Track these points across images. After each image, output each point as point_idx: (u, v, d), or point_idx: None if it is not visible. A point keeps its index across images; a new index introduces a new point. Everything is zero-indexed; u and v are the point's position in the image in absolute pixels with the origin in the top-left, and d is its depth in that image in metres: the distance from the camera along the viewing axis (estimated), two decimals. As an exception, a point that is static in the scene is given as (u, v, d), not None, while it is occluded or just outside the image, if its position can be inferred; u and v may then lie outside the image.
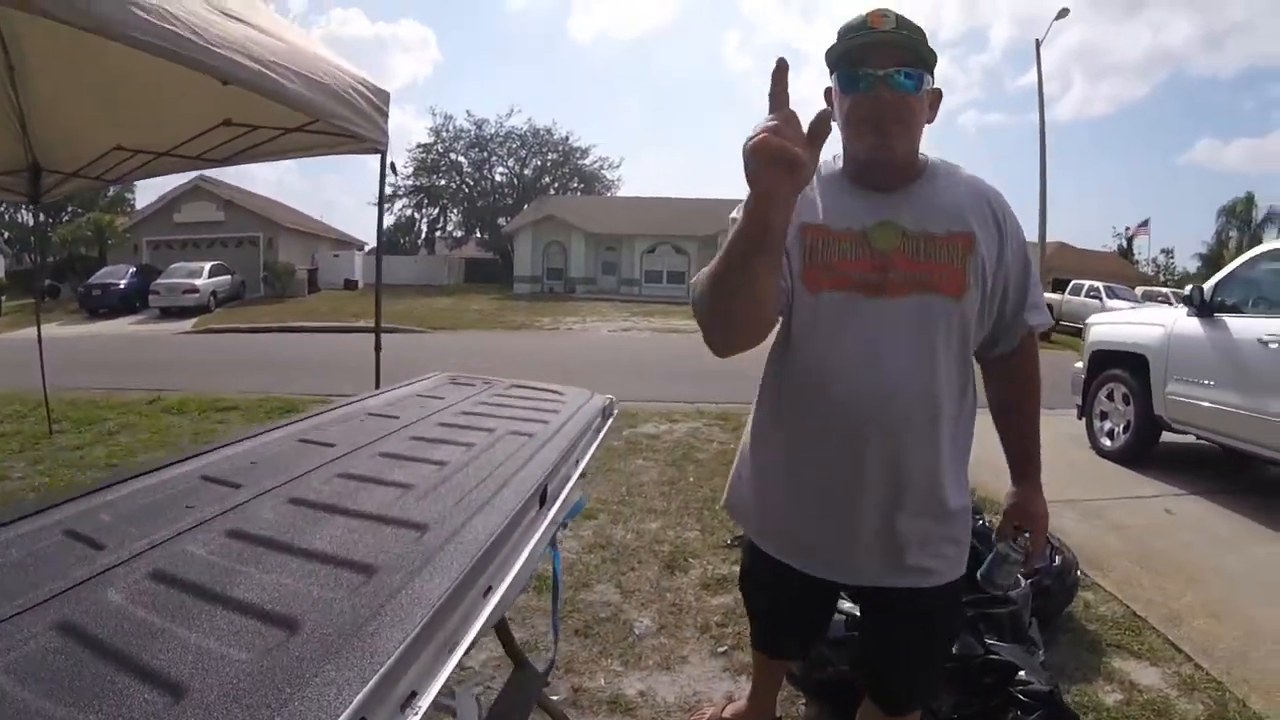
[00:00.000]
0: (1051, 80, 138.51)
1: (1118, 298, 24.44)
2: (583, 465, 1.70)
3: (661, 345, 15.91)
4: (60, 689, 0.71)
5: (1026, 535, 1.60)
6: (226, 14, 2.69)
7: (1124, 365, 6.58)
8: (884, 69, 1.35)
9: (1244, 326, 5.39)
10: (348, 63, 3.68)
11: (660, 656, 2.76)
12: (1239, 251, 36.38)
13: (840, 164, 1.52)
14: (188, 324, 20.94)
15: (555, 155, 49.94)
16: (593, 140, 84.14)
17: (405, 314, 21.88)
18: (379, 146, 4.10)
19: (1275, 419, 4.93)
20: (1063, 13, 24.25)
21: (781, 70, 1.05)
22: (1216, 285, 5.86)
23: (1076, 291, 27.18)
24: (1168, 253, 53.17)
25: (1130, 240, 45.49)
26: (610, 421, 2.09)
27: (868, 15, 1.38)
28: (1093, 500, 5.22)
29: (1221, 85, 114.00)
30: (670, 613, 3.09)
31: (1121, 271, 36.86)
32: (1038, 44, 25.06)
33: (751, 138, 1.03)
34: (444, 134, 48.13)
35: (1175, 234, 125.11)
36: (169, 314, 23.04)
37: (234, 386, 9.17)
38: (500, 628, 2.04)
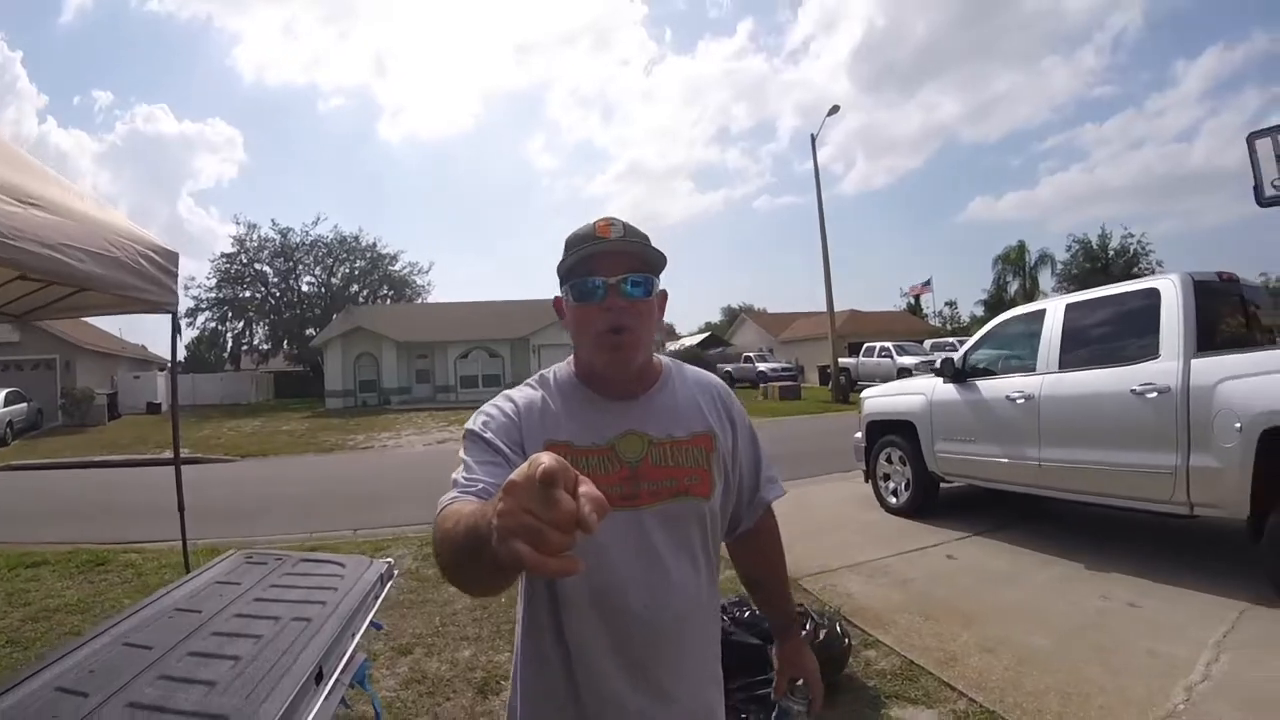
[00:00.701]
0: (836, 161, 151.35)
1: (907, 354, 26.69)
2: (359, 636, 1.91)
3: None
4: None
5: (801, 684, 1.64)
6: (21, 200, 2.75)
7: (896, 432, 7.41)
8: (614, 276, 1.33)
9: (992, 387, 6.26)
10: (135, 227, 3.73)
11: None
12: (1017, 294, 40.27)
13: (573, 368, 1.47)
14: None
15: (363, 262, 49.32)
16: (401, 245, 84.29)
17: (211, 440, 20.80)
18: (169, 308, 4.12)
19: (1030, 462, 5.76)
20: (834, 109, 26.93)
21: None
22: (965, 354, 6.79)
23: (869, 354, 29.58)
24: (951, 304, 57.74)
25: (917, 298, 49.34)
26: (389, 586, 2.30)
27: (595, 224, 1.37)
28: (879, 559, 5.77)
29: (989, 149, 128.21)
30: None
31: (912, 327, 40.07)
32: (813, 138, 27.61)
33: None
34: (248, 243, 46.74)
35: (960, 285, 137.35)
36: None
37: (41, 535, 8.56)
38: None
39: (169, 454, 16.59)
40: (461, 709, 3.53)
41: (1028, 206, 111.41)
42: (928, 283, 46.55)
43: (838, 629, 3.70)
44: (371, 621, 2.32)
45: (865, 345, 30.67)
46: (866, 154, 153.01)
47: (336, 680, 1.73)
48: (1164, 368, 4.81)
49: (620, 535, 1.34)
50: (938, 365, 7.07)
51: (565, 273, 1.38)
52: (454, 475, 1.25)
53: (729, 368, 37.07)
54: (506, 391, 1.45)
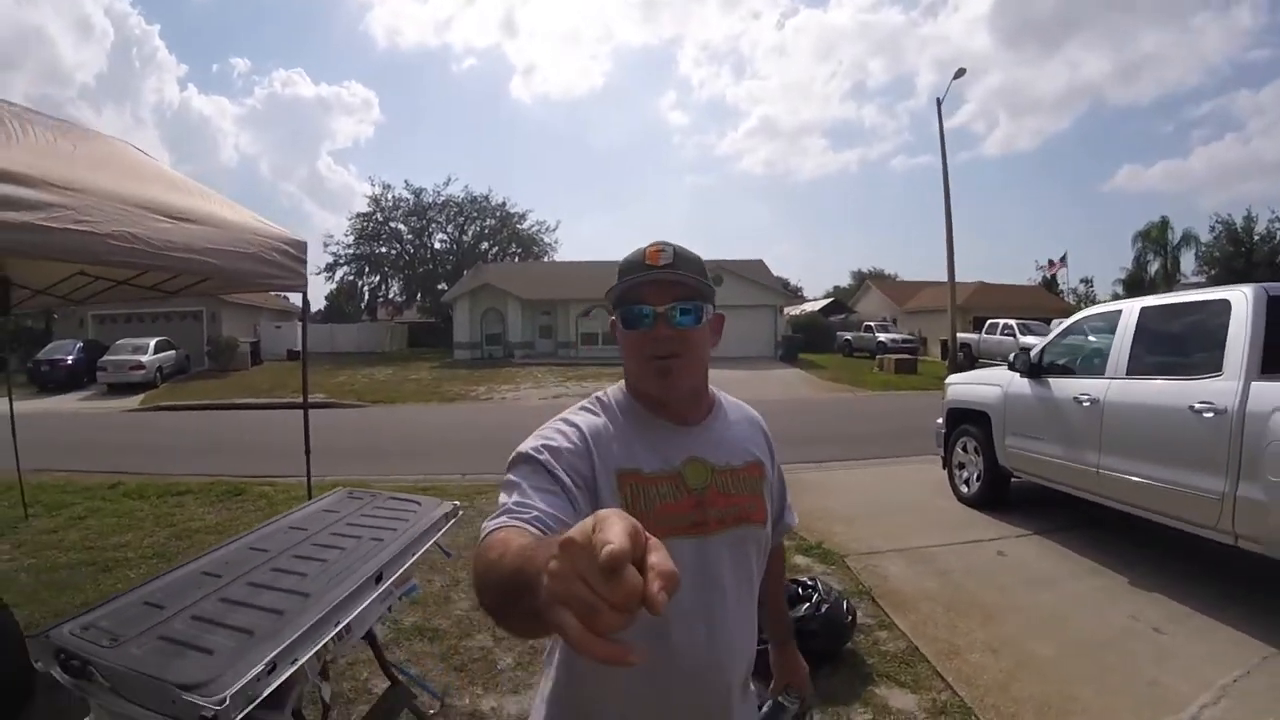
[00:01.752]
0: (977, 120, 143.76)
1: (1031, 333, 25.82)
2: (418, 555, 2.59)
3: (588, 412, 16.59)
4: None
5: (790, 688, 1.79)
6: (172, 216, 3.49)
7: (973, 421, 7.47)
8: (663, 305, 1.34)
9: (1063, 386, 6.18)
10: (268, 225, 4.44)
11: (513, 684, 3.65)
12: (1158, 275, 37.86)
13: (629, 391, 1.47)
14: (135, 400, 21.19)
15: (493, 221, 51.00)
16: (530, 204, 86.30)
17: (345, 387, 22.36)
18: (299, 288, 4.85)
19: (1089, 467, 5.68)
20: (960, 72, 26.09)
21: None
22: (1043, 349, 6.76)
23: (992, 330, 28.77)
24: (1087, 282, 55.65)
25: (1053, 274, 47.46)
26: (451, 523, 3.08)
27: (646, 251, 1.38)
28: (929, 546, 5.95)
29: (1139, 113, 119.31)
30: (529, 653, 3.93)
31: (1043, 304, 38.41)
32: (939, 102, 26.37)
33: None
34: (383, 202, 49.15)
35: (1100, 261, 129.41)
36: (117, 389, 23.28)
37: (185, 469, 9.85)
38: (378, 656, 3.05)
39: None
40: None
41: (1179, 178, 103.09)
42: (1064, 258, 44.46)
43: (843, 605, 4.03)
44: (440, 546, 3.02)
45: (989, 321, 29.91)
46: (1010, 113, 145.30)
47: (391, 584, 2.44)
48: (1224, 387, 4.56)
49: (687, 565, 1.27)
50: (1011, 358, 7.08)
51: (616, 300, 1.39)
52: (501, 499, 1.19)
53: (849, 336, 36.52)
54: (563, 415, 1.43)
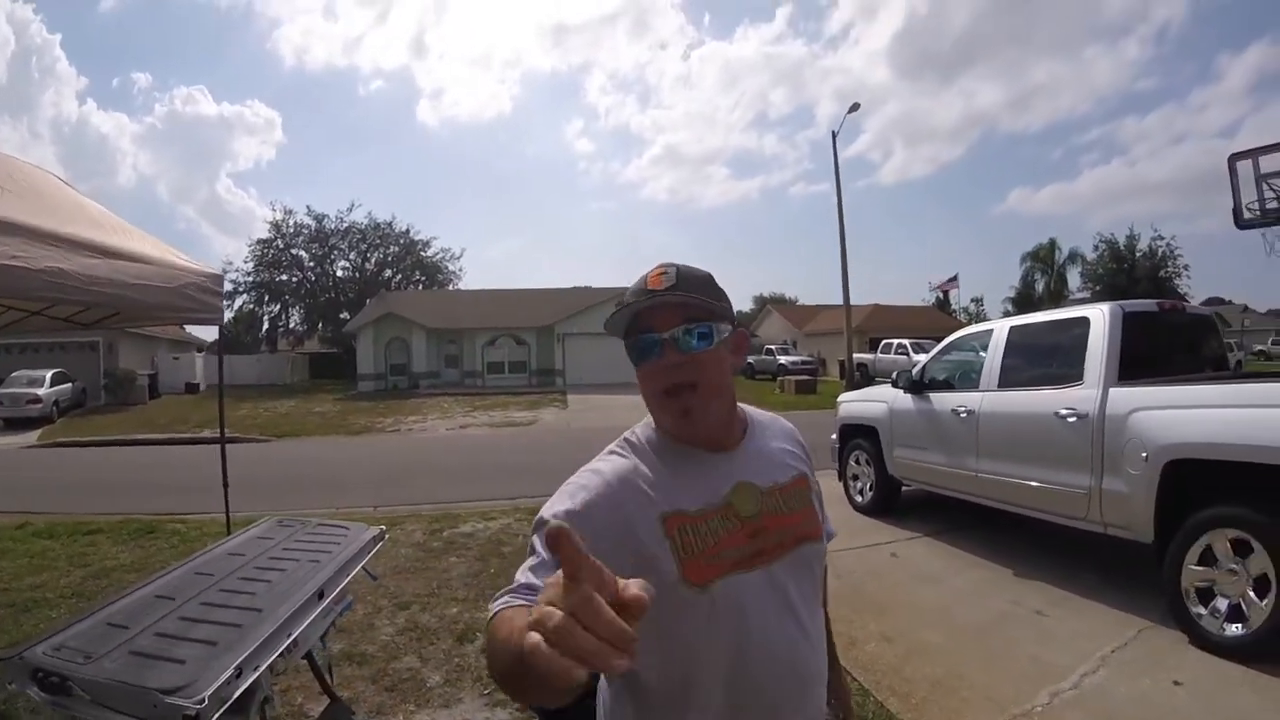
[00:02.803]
0: (873, 149, 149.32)
1: (924, 351, 27.04)
2: (352, 575, 2.82)
3: (494, 442, 16.80)
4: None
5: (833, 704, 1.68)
6: (100, 252, 3.57)
7: (863, 435, 7.98)
8: (668, 330, 1.26)
9: (943, 400, 6.69)
10: (189, 261, 4.52)
11: (444, 699, 3.81)
12: (1044, 293, 39.70)
13: (656, 429, 1.37)
14: (33, 436, 20.19)
15: (397, 248, 50.42)
16: (436, 229, 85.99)
17: (248, 419, 21.81)
18: (215, 321, 4.93)
19: (969, 472, 6.18)
20: (854, 107, 27.40)
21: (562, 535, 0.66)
22: (924, 367, 7.25)
23: (887, 350, 30.09)
24: (978, 301, 58.09)
25: (945, 294, 49.34)
26: (380, 544, 3.36)
27: (648, 276, 1.30)
28: (831, 551, 6.37)
29: (1031, 139, 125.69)
30: (455, 671, 4.12)
31: (936, 323, 39.96)
32: (834, 135, 27.65)
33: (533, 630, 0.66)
34: (284, 228, 48.01)
35: (990, 282, 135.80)
36: (12, 425, 22.15)
37: (93, 507, 9.51)
38: (318, 676, 3.22)
39: (208, 432, 17.74)
40: (441, 651, 4.40)
41: (1067, 200, 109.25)
42: (954, 278, 46.44)
43: None
44: (366, 570, 3.22)
45: (884, 341, 31.22)
46: (906, 142, 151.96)
47: (331, 601, 2.66)
48: (1085, 394, 5.06)
49: (758, 599, 1.25)
50: (895, 376, 7.59)
51: (619, 331, 1.34)
52: (518, 573, 1.12)
53: (751, 359, 37.48)
54: (590, 464, 1.32)
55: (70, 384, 26.22)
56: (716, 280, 1.37)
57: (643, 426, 1.39)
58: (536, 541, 1.16)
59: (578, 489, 1.24)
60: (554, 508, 1.20)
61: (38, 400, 23.18)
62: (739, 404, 1.41)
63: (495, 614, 1.03)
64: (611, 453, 1.34)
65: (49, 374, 24.52)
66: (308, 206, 63.40)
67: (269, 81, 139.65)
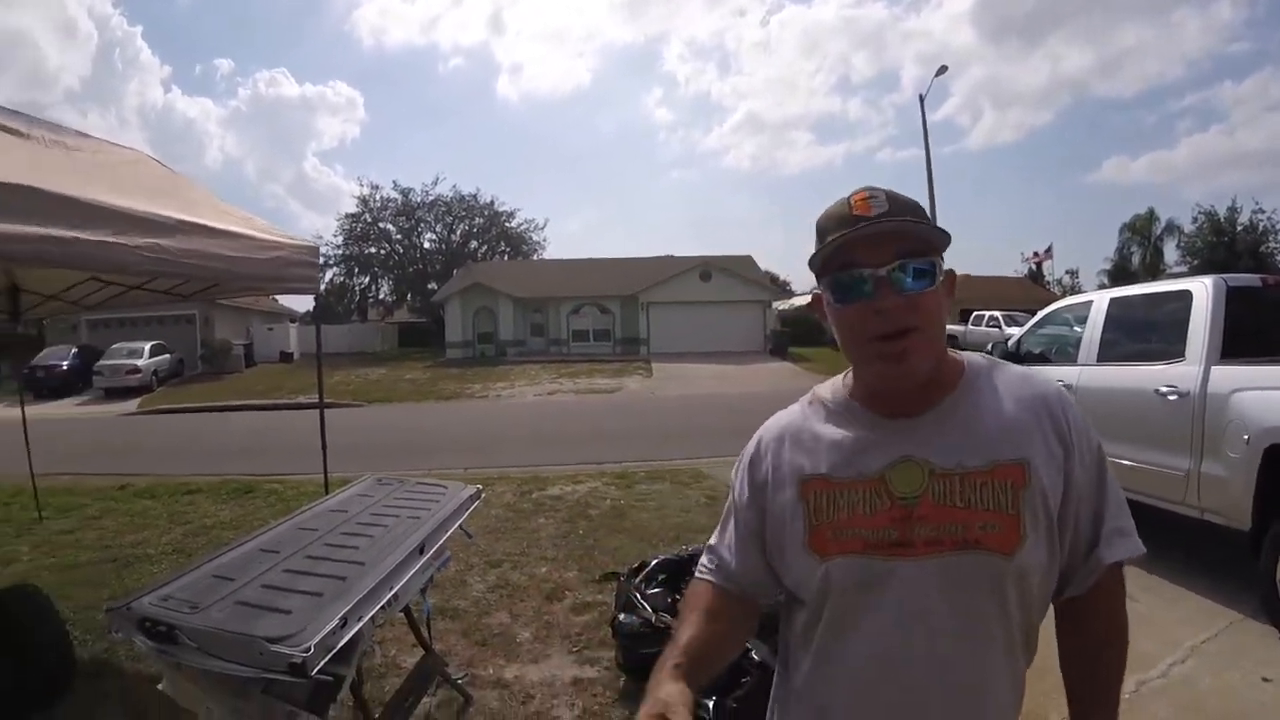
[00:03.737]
0: (961, 113, 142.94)
1: (1015, 324, 26.24)
2: (450, 532, 2.97)
3: (580, 408, 17.12)
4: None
5: None
6: (203, 229, 3.78)
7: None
8: (884, 266, 1.05)
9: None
10: (280, 232, 4.72)
11: (532, 655, 3.96)
12: (1140, 266, 37.81)
13: (848, 383, 1.22)
14: (132, 404, 21.38)
15: (481, 220, 51.07)
16: (518, 202, 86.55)
17: (341, 386, 22.55)
18: (312, 289, 5.13)
19: None
20: (941, 70, 26.60)
21: None
22: (1020, 339, 7.08)
23: (978, 322, 29.18)
24: (1073, 273, 55.16)
25: (1039, 265, 47.61)
26: (476, 504, 3.49)
27: (850, 199, 1.10)
28: None
29: (1122, 105, 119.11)
30: (544, 628, 4.28)
31: (1030, 295, 38.70)
32: (921, 98, 27.03)
33: None
34: (371, 203, 49.08)
35: (1086, 253, 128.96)
36: (113, 394, 23.41)
37: (191, 469, 10.08)
38: (414, 628, 3.40)
39: (303, 398, 18.38)
40: (531, 608, 4.57)
41: (1164, 169, 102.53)
42: (1049, 249, 44.65)
43: None
44: (462, 528, 3.35)
45: (974, 313, 30.34)
46: (993, 106, 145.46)
47: (430, 556, 2.79)
48: (1186, 372, 4.79)
49: (879, 595, 1.06)
50: (989, 349, 7.40)
51: (820, 266, 1.12)
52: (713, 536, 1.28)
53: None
54: (777, 414, 1.27)
55: (168, 355, 27.47)
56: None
57: (831, 383, 1.25)
58: (730, 490, 1.24)
59: (750, 446, 1.26)
60: (735, 469, 1.27)
61: (136, 370, 24.42)
62: (960, 354, 1.19)
63: (691, 586, 1.24)
64: (797, 404, 1.27)
65: (148, 346, 25.72)
66: (394, 181, 64.34)
67: (349, 62, 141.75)
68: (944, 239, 1.09)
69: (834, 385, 1.24)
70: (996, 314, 28.85)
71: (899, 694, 1.06)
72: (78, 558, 6.19)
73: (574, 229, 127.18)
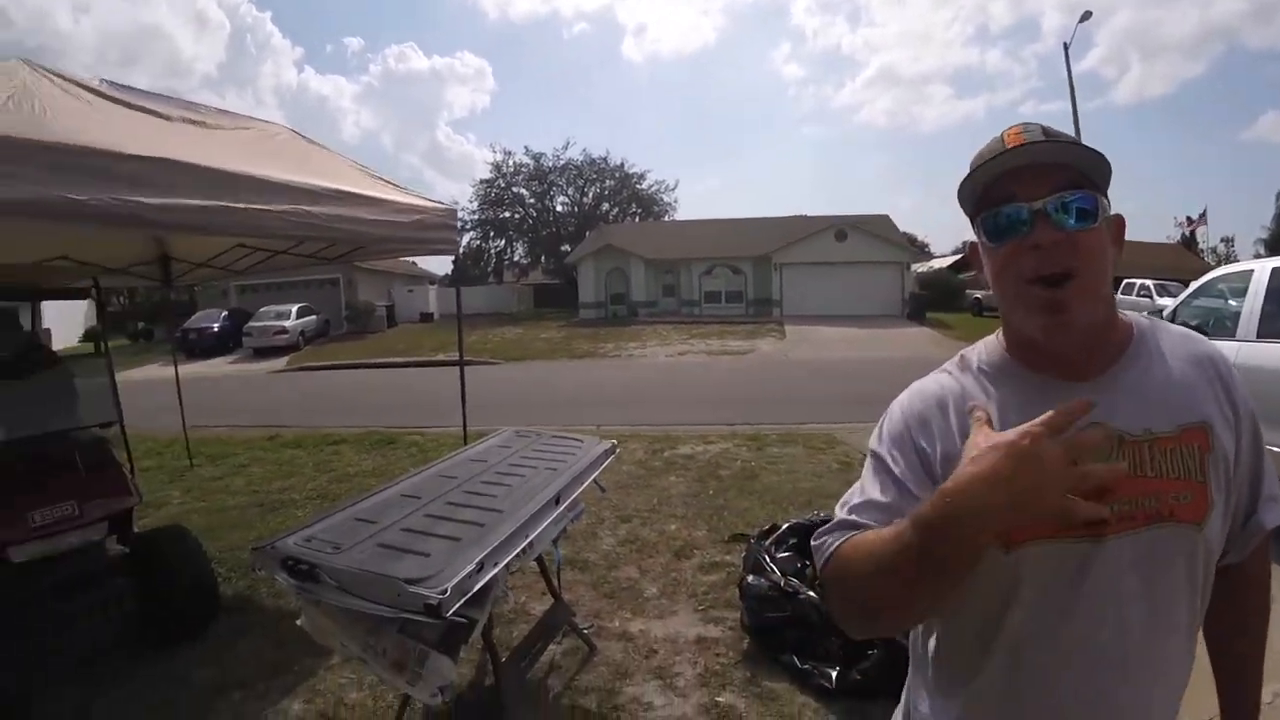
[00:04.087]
0: (1107, 64, 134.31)
1: (1168, 294, 24.60)
2: (585, 485, 3.06)
3: (712, 369, 17.08)
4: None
5: None
6: (345, 195, 3.99)
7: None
8: (1040, 199, 0.95)
9: None
10: (423, 200, 4.91)
11: (659, 611, 4.00)
12: None
13: (1002, 340, 1.11)
14: (281, 362, 22.82)
15: (612, 182, 51.45)
16: (648, 164, 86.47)
17: (479, 345, 23.28)
18: (451, 250, 5.32)
19: None
20: (1085, 16, 24.66)
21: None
22: (1175, 311, 6.61)
23: (1129, 290, 27.41)
24: (1228, 241, 50.98)
25: (1193, 232, 44.32)
26: (610, 458, 3.54)
27: (1004, 133, 1.02)
28: None
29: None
30: (671, 585, 4.32)
31: (1183, 264, 36.21)
32: (1065, 48, 25.18)
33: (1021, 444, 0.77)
34: (504, 168, 50.26)
35: (1242, 217, 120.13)
36: (262, 353, 25.15)
37: (336, 421, 10.73)
38: (545, 577, 3.49)
39: (443, 356, 19.04)
40: (660, 565, 4.62)
41: None
42: (1203, 214, 41.00)
43: None
44: (596, 482, 3.42)
45: (1125, 281, 28.48)
46: (1141, 57, 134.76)
47: (565, 507, 2.85)
48: None
49: (1074, 579, 0.97)
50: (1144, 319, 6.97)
51: (974, 203, 1.03)
52: (845, 497, 1.07)
53: (979, 294, 35.23)
54: (917, 384, 1.14)
55: (314, 316, 29.07)
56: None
57: (984, 344, 1.13)
58: (866, 468, 1.07)
59: (897, 413, 1.10)
60: (877, 431, 1.11)
61: (284, 331, 26.05)
62: (1127, 314, 1.09)
63: (836, 547, 0.98)
64: (944, 370, 1.14)
65: (294, 308, 27.38)
66: (525, 147, 65.75)
67: (475, 33, 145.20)
68: (1106, 172, 0.99)
69: (986, 347, 1.12)
70: (1149, 283, 26.92)
71: (1087, 684, 0.98)
72: (226, 502, 6.71)
73: (704, 189, 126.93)
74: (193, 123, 4.03)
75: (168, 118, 3.83)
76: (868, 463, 1.08)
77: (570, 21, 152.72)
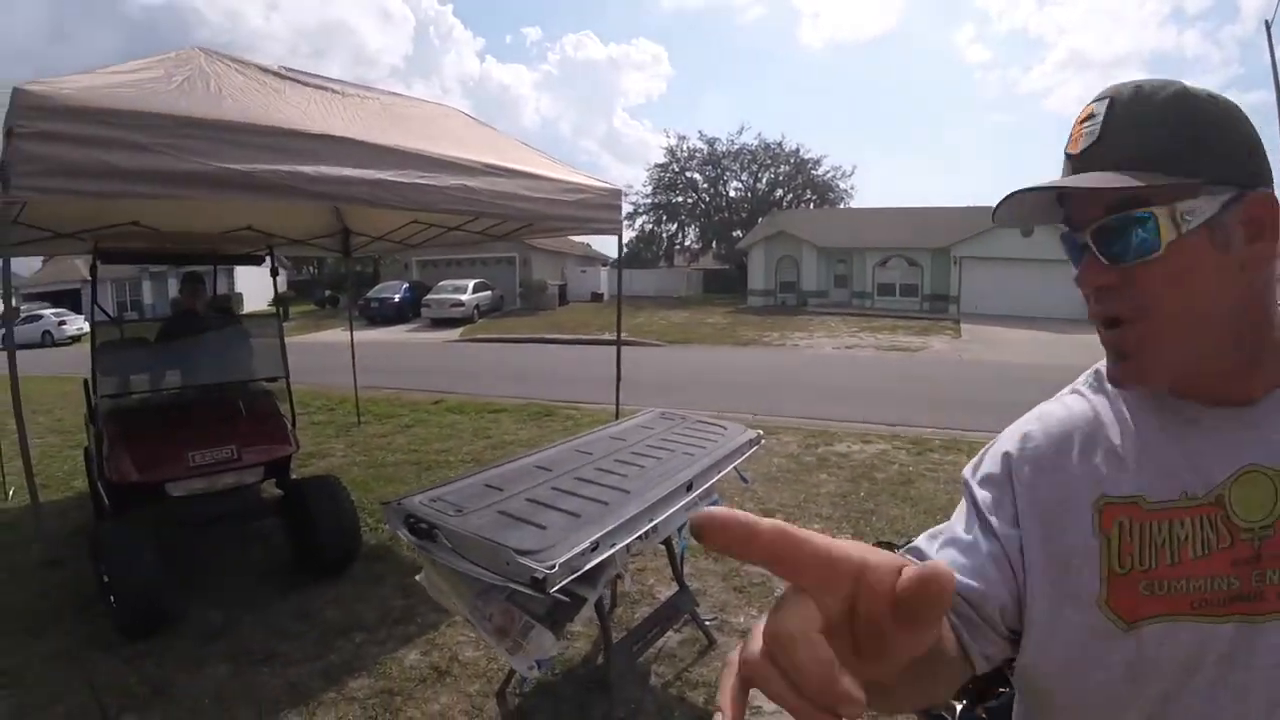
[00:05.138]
0: None
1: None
2: (722, 474, 2.99)
3: (880, 365, 16.36)
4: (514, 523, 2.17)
5: None
6: (508, 172, 4.11)
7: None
8: (1088, 225, 0.76)
9: None
10: (589, 178, 4.98)
11: (791, 612, 3.85)
12: None
13: None
14: (455, 333, 24.42)
15: (787, 168, 50.68)
16: (824, 150, 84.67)
17: (644, 327, 23.61)
18: (614, 230, 5.37)
19: None
20: (1289, -13, 21.93)
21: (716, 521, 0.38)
22: None
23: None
24: None
25: None
26: (754, 449, 3.45)
27: (1079, 117, 0.79)
28: None
29: None
30: (808, 585, 4.13)
31: None
32: (1268, 25, 22.33)
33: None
34: (678, 153, 50.53)
35: None
36: (438, 324, 27.10)
37: (500, 392, 11.20)
38: (672, 562, 3.42)
39: (606, 334, 19.53)
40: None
41: None
42: None
43: None
44: (738, 471, 3.33)
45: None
46: None
47: (699, 494, 2.76)
48: None
49: (1218, 672, 0.72)
50: None
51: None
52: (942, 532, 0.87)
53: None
54: (1043, 406, 0.92)
55: (490, 291, 30.86)
56: (1207, 106, 0.74)
57: None
58: (964, 498, 0.88)
59: (1011, 439, 0.88)
60: (975, 460, 0.91)
61: (460, 304, 27.90)
62: None
63: None
64: (1074, 391, 0.91)
65: (471, 283, 29.23)
66: (699, 131, 66.00)
67: (651, 20, 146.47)
68: (1208, 163, 0.71)
69: None
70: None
71: None
72: (385, 459, 7.15)
73: (882, 176, 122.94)
74: (365, 103, 4.26)
75: (341, 96, 4.05)
76: (965, 496, 0.89)
77: (745, 6, 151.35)
